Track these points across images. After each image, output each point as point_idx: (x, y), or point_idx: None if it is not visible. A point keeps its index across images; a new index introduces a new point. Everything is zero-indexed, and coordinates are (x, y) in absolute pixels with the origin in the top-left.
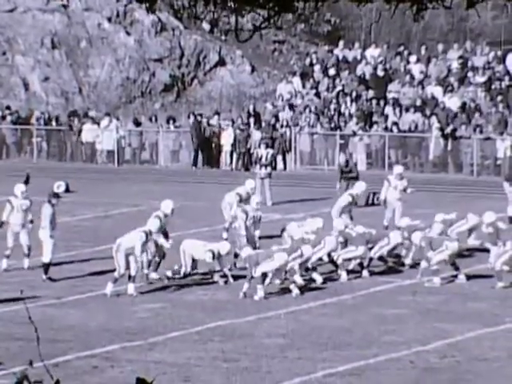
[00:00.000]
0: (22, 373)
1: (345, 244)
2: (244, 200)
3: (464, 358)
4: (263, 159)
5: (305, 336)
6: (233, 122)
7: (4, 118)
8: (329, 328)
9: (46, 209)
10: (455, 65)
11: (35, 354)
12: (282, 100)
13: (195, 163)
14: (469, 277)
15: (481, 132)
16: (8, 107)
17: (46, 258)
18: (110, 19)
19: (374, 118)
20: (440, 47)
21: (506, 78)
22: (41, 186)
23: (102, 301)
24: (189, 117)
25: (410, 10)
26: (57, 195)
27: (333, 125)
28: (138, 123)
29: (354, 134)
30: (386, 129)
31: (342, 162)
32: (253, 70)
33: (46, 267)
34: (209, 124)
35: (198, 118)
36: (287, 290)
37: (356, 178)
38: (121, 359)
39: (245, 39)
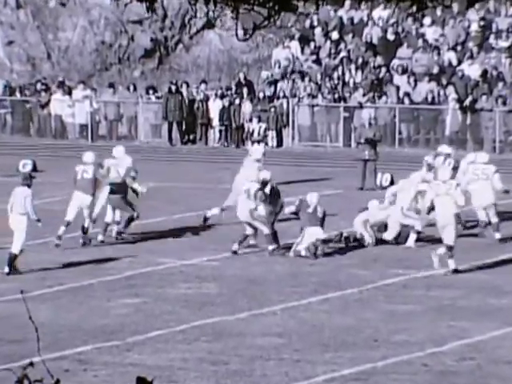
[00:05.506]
0: (22, 372)
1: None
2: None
3: (484, 361)
4: (255, 134)
5: (304, 335)
6: (222, 94)
7: None
8: (331, 326)
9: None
10: (475, 27)
11: (5, 353)
12: (279, 67)
13: (170, 139)
14: (489, 269)
15: (504, 104)
16: None
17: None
18: None
19: (384, 88)
20: (458, 7)
21: None
22: (4, 164)
23: (75, 295)
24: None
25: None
26: (30, 175)
27: (336, 96)
28: (113, 87)
29: (361, 105)
30: (397, 100)
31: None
32: (245, 33)
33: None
34: (191, 94)
35: (174, 87)
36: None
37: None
38: (95, 362)
39: (244, 38)
